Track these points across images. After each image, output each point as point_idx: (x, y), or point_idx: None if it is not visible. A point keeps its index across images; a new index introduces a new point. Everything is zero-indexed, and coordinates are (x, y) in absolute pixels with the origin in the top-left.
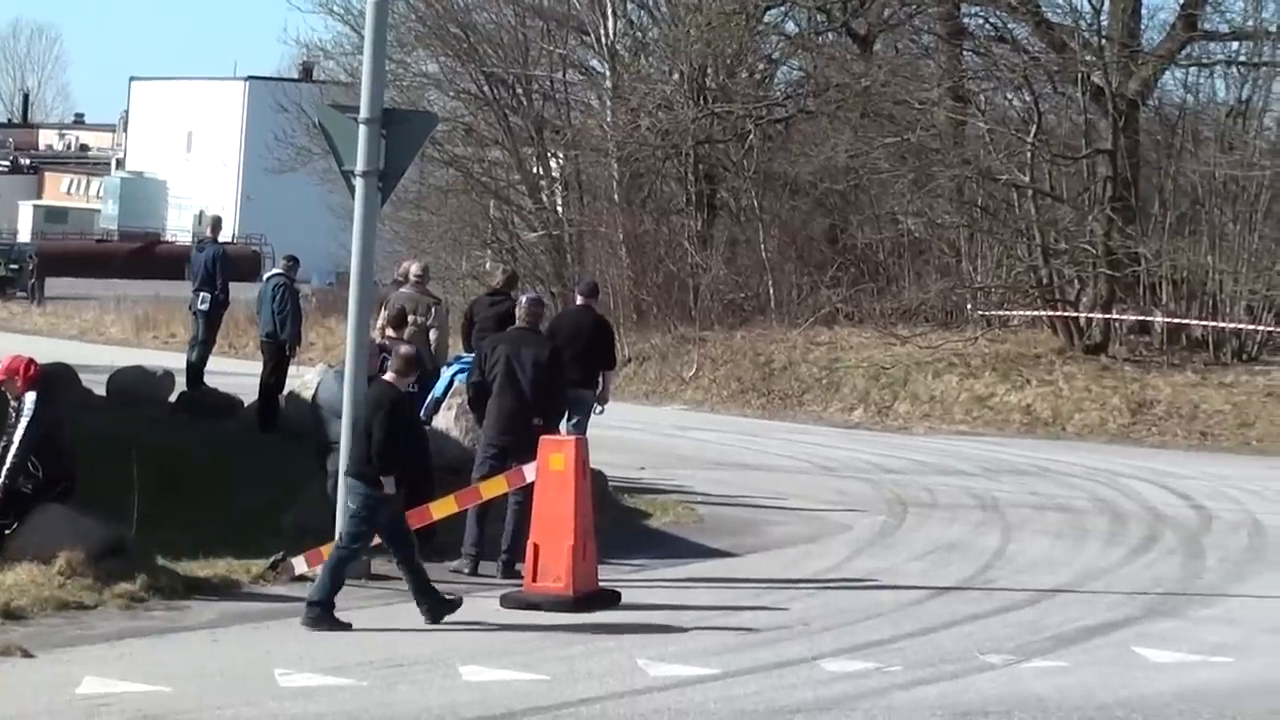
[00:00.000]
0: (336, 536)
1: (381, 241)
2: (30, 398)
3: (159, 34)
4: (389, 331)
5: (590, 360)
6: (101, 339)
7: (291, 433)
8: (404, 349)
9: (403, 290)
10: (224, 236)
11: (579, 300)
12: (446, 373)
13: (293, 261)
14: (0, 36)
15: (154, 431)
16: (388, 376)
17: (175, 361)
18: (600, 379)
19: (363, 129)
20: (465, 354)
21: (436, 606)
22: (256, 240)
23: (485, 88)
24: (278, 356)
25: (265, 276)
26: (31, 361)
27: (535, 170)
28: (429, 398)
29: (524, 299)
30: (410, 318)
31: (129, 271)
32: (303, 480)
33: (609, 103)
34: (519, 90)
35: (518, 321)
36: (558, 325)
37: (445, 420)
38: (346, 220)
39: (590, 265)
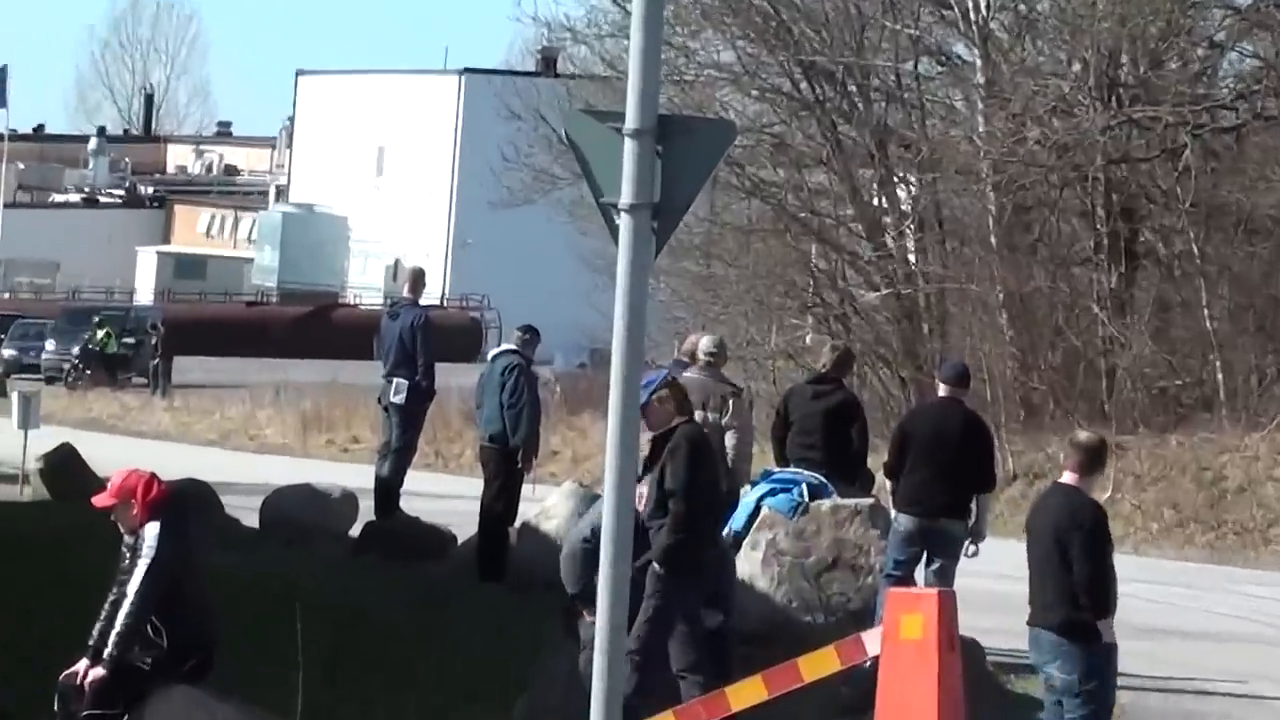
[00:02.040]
0: None
1: (656, 306)
2: (151, 531)
3: (335, 12)
4: None
5: (958, 478)
6: (252, 445)
7: (526, 583)
8: (1082, 435)
9: (688, 375)
10: (428, 298)
11: (941, 390)
12: (751, 495)
13: (530, 334)
14: (115, 14)
15: (327, 579)
16: (1068, 479)
17: (359, 478)
18: (973, 505)
19: (630, 144)
20: (778, 468)
21: None
22: (475, 303)
23: (803, 85)
24: (506, 470)
25: (490, 355)
26: (153, 479)
27: (876, 202)
28: (726, 529)
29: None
30: (699, 415)
31: (292, 348)
32: (540, 652)
33: (980, 105)
34: (851, 88)
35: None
36: (911, 426)
37: (749, 566)
38: (606, 275)
39: (956, 339)
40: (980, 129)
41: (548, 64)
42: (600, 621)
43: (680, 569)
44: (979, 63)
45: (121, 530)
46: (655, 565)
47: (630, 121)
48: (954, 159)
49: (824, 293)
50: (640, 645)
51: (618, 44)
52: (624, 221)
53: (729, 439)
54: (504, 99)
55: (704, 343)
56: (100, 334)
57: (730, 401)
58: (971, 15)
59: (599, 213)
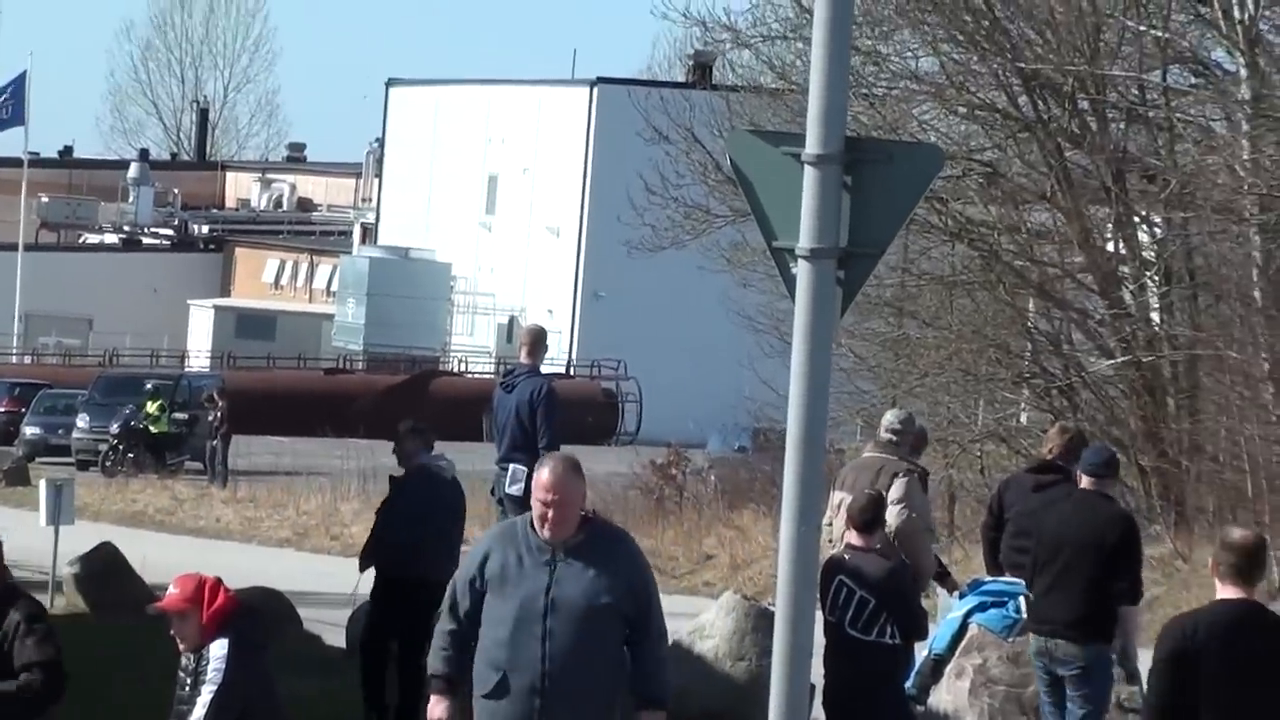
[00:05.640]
0: None
1: (836, 375)
2: (217, 650)
3: (434, 9)
4: (851, 536)
5: (1099, 590)
6: (335, 546)
7: (676, 715)
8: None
9: (865, 456)
10: (550, 364)
11: (1084, 481)
12: (957, 610)
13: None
14: (159, 9)
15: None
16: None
17: None
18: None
19: (810, 173)
20: (989, 576)
21: None
22: (610, 370)
23: (1023, 100)
24: None
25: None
26: (218, 585)
27: (1112, 248)
28: (923, 656)
29: None
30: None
31: (382, 426)
32: None
33: (1245, 126)
34: (1083, 105)
35: None
36: (1039, 523)
37: (953, 696)
38: (773, 337)
39: (1210, 418)
40: (1245, 156)
41: (702, 72)
42: None
43: None
44: (1244, 73)
45: (180, 648)
46: None
47: (811, 145)
48: (1210, 194)
49: (1045, 360)
50: None
51: (792, 48)
52: (802, 270)
53: (891, 514)
54: (646, 115)
55: (888, 417)
56: (153, 407)
57: (898, 479)
58: (1236, 13)
59: (768, 259)
